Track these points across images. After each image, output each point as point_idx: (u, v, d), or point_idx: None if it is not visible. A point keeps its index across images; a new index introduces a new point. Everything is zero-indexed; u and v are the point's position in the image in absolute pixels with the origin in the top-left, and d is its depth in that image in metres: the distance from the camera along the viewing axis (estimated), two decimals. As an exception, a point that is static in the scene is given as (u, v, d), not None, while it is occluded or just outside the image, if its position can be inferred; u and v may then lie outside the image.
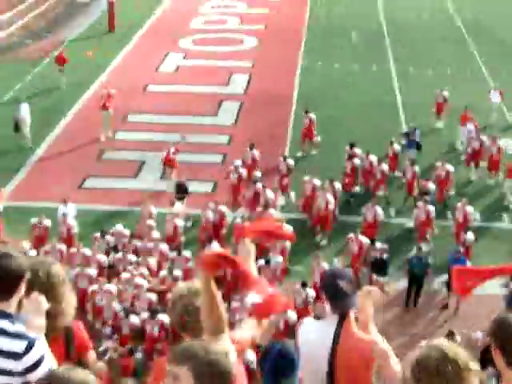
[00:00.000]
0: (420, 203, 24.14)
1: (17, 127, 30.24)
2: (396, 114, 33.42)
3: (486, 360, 17.25)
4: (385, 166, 26.52)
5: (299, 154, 29.56)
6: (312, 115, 29.88)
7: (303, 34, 44.78)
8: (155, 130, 31.69)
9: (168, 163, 27.31)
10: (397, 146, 27.83)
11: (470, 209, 23.86)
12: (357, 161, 26.68)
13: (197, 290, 5.36)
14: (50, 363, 4.94)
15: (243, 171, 25.98)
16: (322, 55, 40.77)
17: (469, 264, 21.12)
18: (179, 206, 25.02)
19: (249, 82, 37.57)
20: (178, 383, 3.80)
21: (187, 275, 20.66)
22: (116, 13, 44.91)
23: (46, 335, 5.41)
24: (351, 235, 22.36)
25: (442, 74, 37.73)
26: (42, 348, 4.94)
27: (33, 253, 21.31)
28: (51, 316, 5.53)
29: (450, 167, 26.37)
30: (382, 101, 34.59)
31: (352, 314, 5.51)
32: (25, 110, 30.46)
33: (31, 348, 4.85)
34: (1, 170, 28.13)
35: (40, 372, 4.79)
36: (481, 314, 19.58)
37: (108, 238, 22.55)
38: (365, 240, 22.19)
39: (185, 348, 3.91)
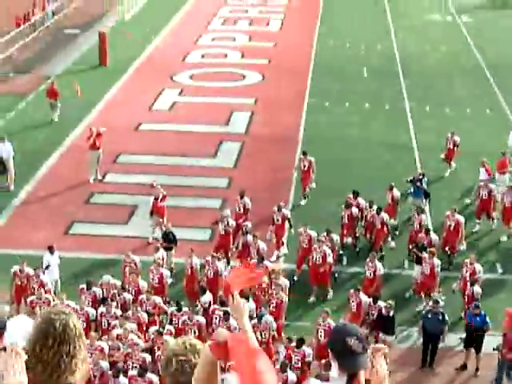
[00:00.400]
0: (425, 255, 23.89)
1: (3, 167, 30.45)
2: (411, 156, 33.50)
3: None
4: (385, 216, 26.18)
5: (302, 203, 29.59)
6: (311, 158, 29.76)
7: (310, 70, 45.10)
8: (148, 171, 31.65)
9: (156, 212, 27.02)
10: (396, 192, 27.56)
11: (478, 266, 23.37)
12: (354, 210, 26.42)
13: (194, 346, 5.35)
14: None
15: (232, 222, 25.73)
16: (330, 93, 41.00)
17: (487, 319, 21.23)
18: (162, 254, 24.78)
19: (250, 121, 37.74)
20: None
21: (182, 331, 20.57)
22: (107, 45, 45.31)
23: None
24: (351, 291, 22.26)
25: (460, 113, 38.04)
26: None
27: (14, 306, 21.32)
28: (61, 371, 5.51)
29: (460, 218, 26.02)
30: (396, 142, 34.80)
31: (362, 375, 5.45)
32: (8, 150, 30.60)
33: None
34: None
35: None
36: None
37: (95, 289, 22.47)
38: (364, 298, 21.94)
39: None
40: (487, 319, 21.29)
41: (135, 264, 23.65)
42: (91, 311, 21.54)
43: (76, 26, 52.85)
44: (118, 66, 44.69)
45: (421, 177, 28.63)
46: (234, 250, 25.28)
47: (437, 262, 23.60)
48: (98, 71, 44.33)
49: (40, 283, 22.76)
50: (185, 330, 20.49)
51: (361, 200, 27.00)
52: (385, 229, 26.00)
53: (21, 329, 6.14)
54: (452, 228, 25.84)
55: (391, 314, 21.50)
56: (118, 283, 22.79)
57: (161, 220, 26.74)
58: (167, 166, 32.51)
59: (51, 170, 32.59)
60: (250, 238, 24.85)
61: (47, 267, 23.64)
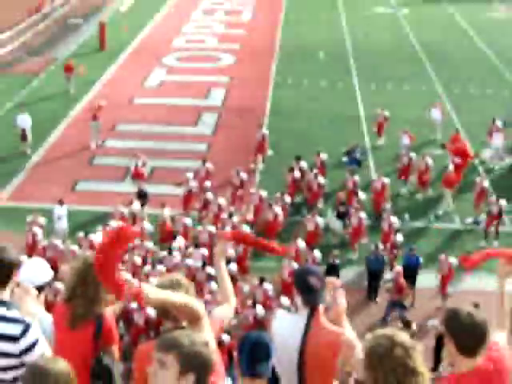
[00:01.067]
0: (353, 211, 23.88)
1: (23, 136, 30.15)
2: (358, 125, 33.45)
3: (440, 345, 17.55)
4: (321, 179, 25.87)
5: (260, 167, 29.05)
6: (265, 132, 29.46)
7: (275, 53, 44.77)
8: (141, 138, 31.66)
9: (136, 177, 26.82)
10: (323, 156, 27.09)
11: (393, 219, 23.38)
12: (296, 173, 26.03)
13: (178, 280, 5.34)
14: (44, 346, 4.94)
15: (194, 184, 25.36)
16: (292, 72, 40.79)
17: (421, 260, 21.45)
18: (136, 206, 24.37)
19: (226, 96, 37.58)
20: (164, 369, 3.84)
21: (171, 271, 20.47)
22: (106, 32, 44.80)
23: (82, 317, 5.63)
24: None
25: (400, 90, 38.04)
26: (36, 332, 4.92)
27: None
28: (89, 300, 5.69)
29: (385, 180, 25.74)
30: (346, 114, 34.70)
31: (321, 308, 5.47)
32: (27, 120, 30.33)
33: (27, 331, 4.85)
34: (1, 174, 28.01)
35: (35, 354, 4.82)
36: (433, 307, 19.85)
37: (92, 236, 22.12)
38: (302, 245, 21.87)
39: (172, 337, 3.95)
40: (420, 259, 21.56)
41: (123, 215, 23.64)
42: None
43: (79, 17, 52.07)
44: (115, 50, 44.14)
45: (355, 148, 28.14)
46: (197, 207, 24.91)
47: (363, 215, 23.76)
48: (98, 54, 43.77)
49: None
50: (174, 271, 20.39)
51: (303, 163, 26.64)
52: (320, 190, 25.82)
53: (35, 268, 6.09)
54: (379, 189, 25.72)
55: (337, 262, 21.67)
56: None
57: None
58: (156, 133, 32.28)
59: (60, 137, 32.37)
60: (209, 195, 24.65)
61: (59, 218, 23.60)
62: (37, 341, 4.89)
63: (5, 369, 4.89)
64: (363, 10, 55.89)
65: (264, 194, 24.87)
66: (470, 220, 25.60)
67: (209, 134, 32.98)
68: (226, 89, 38.58)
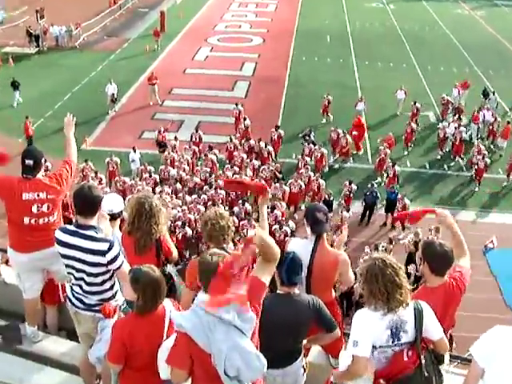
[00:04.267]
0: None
1: (113, 100, 29.51)
2: (355, 93, 32.26)
3: (410, 261, 17.18)
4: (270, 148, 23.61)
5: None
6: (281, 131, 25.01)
7: (293, 36, 43.34)
8: (191, 99, 30.92)
9: (161, 142, 24.62)
10: (280, 131, 24.47)
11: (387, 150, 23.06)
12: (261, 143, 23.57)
13: (221, 214, 5.37)
14: (122, 258, 5.13)
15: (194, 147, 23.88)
16: (305, 51, 39.52)
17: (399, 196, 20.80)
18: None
19: (255, 68, 36.44)
20: None
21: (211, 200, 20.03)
22: (165, 19, 43.49)
23: (144, 247, 5.49)
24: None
25: (388, 66, 36.82)
26: (117, 247, 5.11)
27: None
28: (151, 233, 5.45)
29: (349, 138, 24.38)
30: (346, 84, 33.60)
31: (325, 236, 5.50)
32: (114, 87, 29.60)
33: (112, 247, 5.03)
34: (87, 123, 27.32)
35: (117, 263, 5.08)
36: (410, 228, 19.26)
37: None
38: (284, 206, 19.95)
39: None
40: (399, 195, 20.97)
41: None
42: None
43: (146, 7, 50.63)
44: (172, 33, 42.78)
45: (309, 132, 25.39)
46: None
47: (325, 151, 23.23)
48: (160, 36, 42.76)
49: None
50: (215, 200, 19.87)
51: (280, 130, 24.62)
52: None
53: (112, 201, 5.98)
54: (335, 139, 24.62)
55: (331, 198, 20.64)
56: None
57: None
58: (202, 95, 31.40)
59: (130, 98, 31.63)
60: (262, 144, 23.54)
61: (133, 161, 23.17)
62: (118, 254, 5.08)
63: (96, 275, 5.12)
64: (361, 4, 54.11)
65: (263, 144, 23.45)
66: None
67: (242, 97, 31.99)
68: (255, 63, 37.33)
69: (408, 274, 16.97)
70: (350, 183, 21.39)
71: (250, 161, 22.63)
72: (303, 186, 20.98)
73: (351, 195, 21.27)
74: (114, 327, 4.55)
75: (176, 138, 24.50)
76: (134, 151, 23.27)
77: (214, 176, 21.63)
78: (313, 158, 23.32)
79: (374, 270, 4.17)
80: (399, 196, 20.69)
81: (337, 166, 24.71)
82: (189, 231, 17.95)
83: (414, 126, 26.14)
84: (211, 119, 28.44)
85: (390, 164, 22.46)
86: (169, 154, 23.34)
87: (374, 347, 4.22)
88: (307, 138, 25.14)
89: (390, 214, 20.89)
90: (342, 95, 31.19)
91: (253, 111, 28.44)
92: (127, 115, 29.48)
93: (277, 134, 24.55)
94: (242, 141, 24.24)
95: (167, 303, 4.54)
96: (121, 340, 4.41)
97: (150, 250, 5.51)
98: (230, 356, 3.69)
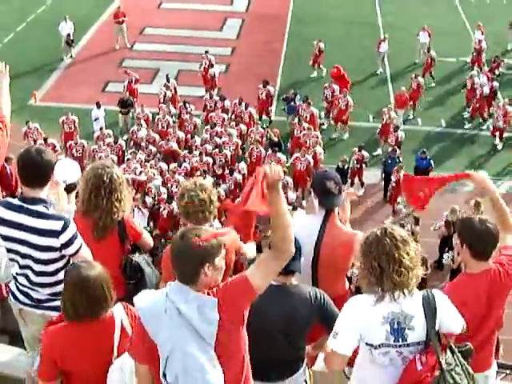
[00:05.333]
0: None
1: (68, 42, 29.34)
2: (377, 33, 31.87)
3: (445, 245, 17.21)
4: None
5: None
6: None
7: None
8: (168, 42, 30.73)
9: (131, 93, 24.64)
10: (270, 88, 24.45)
11: (393, 113, 23.19)
12: (270, 88, 24.31)
13: (202, 184, 5.29)
14: (80, 241, 5.03)
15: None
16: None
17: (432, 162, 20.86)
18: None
19: (249, 3, 36.12)
20: None
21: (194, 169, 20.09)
22: None
23: (104, 229, 5.45)
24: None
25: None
26: (74, 227, 4.99)
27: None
28: (112, 212, 5.43)
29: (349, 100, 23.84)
30: (364, 21, 33.25)
31: (336, 211, 5.46)
32: (71, 27, 29.37)
33: (67, 227, 4.93)
34: (35, 72, 27.24)
35: (74, 247, 4.98)
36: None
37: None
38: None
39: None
40: (431, 162, 20.94)
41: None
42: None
43: None
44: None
45: (293, 96, 24.31)
46: None
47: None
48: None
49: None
50: (196, 169, 19.90)
51: (270, 87, 24.42)
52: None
53: (67, 168, 6.06)
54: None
55: (346, 167, 20.73)
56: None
57: (134, 100, 24.60)
58: (181, 37, 31.22)
59: (90, 41, 31.45)
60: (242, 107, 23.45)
61: (96, 119, 23.04)
62: (75, 235, 4.98)
63: (47, 262, 5.03)
64: None
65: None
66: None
67: (233, 38, 31.80)
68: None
69: (440, 265, 17.07)
70: (359, 149, 21.36)
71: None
72: (312, 163, 20.85)
73: (363, 165, 21.32)
74: (44, 335, 4.34)
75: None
76: (98, 107, 23.15)
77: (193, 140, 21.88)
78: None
79: (370, 239, 4.16)
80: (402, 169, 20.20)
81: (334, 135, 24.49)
82: (175, 207, 17.95)
83: (421, 80, 25.47)
84: (193, 67, 28.25)
85: (392, 129, 22.51)
86: (142, 111, 23.30)
87: (371, 346, 4.13)
88: (291, 103, 24.13)
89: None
90: (362, 34, 30.80)
91: (245, 58, 28.35)
92: (87, 62, 29.32)
93: (265, 92, 24.39)
94: (214, 95, 24.20)
95: (118, 309, 4.34)
96: (49, 354, 4.25)
97: (111, 233, 5.47)
98: (173, 356, 3.74)
